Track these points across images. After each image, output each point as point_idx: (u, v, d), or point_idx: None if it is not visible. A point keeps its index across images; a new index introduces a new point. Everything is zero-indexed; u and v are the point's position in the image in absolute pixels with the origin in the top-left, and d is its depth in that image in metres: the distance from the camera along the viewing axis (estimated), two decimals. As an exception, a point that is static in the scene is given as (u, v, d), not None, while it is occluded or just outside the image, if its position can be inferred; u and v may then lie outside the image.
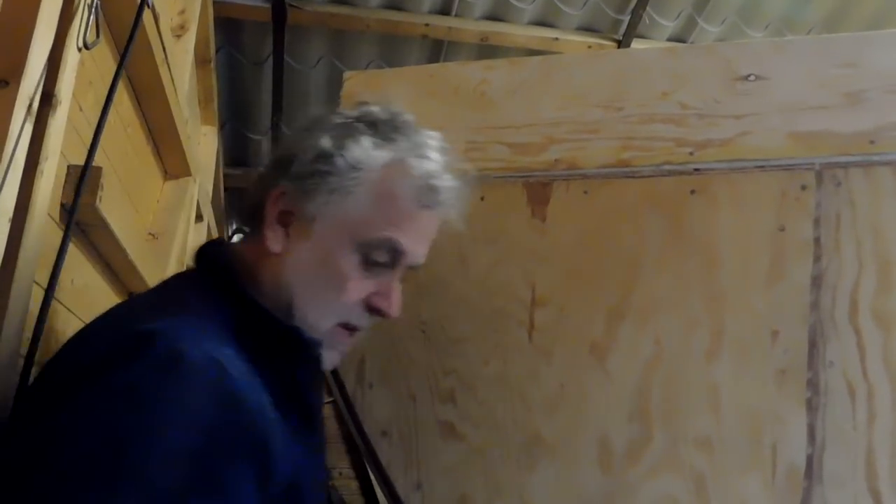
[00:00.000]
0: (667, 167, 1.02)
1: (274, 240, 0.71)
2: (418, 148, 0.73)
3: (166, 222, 1.64)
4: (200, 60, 2.21)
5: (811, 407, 0.95)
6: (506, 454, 1.05)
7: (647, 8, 2.92)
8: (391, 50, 3.24)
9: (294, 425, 0.66)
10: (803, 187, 0.97)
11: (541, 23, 3.12)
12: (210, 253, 0.75)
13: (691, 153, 1.01)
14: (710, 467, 0.97)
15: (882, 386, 0.93)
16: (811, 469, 0.94)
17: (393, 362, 1.11)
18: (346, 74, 1.14)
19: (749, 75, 1.03)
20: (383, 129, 0.73)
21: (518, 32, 3.09)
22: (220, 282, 0.71)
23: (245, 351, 0.63)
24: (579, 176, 1.03)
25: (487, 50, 3.16)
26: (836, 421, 0.94)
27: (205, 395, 0.56)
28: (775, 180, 0.99)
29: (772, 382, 0.98)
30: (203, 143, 2.52)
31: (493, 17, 3.09)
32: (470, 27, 3.06)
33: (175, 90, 1.48)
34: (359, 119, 0.74)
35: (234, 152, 3.88)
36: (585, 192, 1.04)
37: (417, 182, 0.72)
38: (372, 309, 0.73)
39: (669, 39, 3.07)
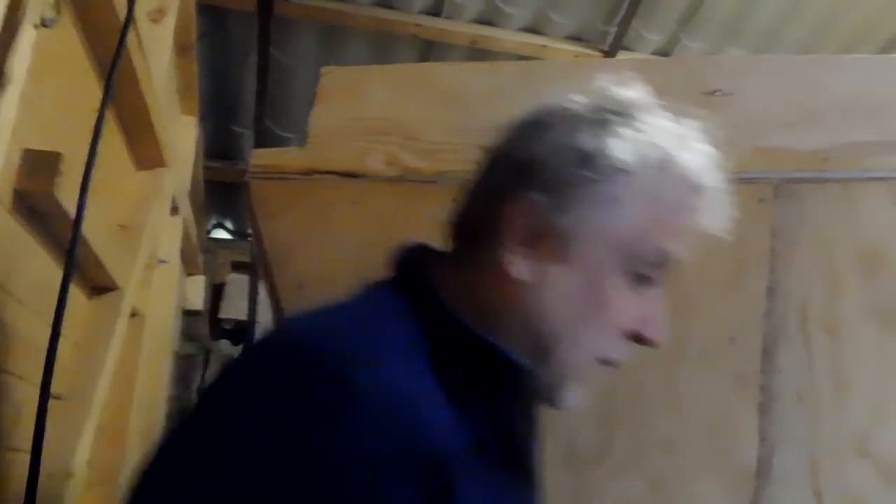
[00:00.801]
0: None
1: (520, 265, 0.60)
2: (682, 140, 0.65)
3: (137, 214, 1.65)
4: (181, 47, 2.23)
5: (763, 411, 1.00)
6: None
7: (634, 21, 3.00)
8: (381, 49, 3.29)
9: (501, 474, 0.59)
10: (761, 200, 1.03)
11: (530, 30, 3.19)
12: (413, 263, 0.65)
13: (658, 163, 1.07)
14: (671, 470, 1.02)
15: (827, 392, 0.99)
16: (761, 470, 1.00)
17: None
18: (324, 69, 1.18)
19: (717, 90, 1.09)
20: (636, 117, 0.63)
21: (507, 38, 3.16)
22: (421, 297, 0.60)
23: (441, 378, 0.55)
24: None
25: (477, 53, 3.22)
26: (785, 424, 1.00)
27: (376, 429, 0.47)
28: (737, 193, 1.05)
29: (729, 387, 1.03)
30: (181, 134, 2.54)
31: (483, 20, 3.15)
32: (460, 29, 3.12)
33: (150, 76, 1.49)
34: (604, 108, 0.63)
35: (217, 145, 3.90)
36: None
37: (685, 182, 0.63)
38: (637, 338, 0.64)
39: (654, 53, 3.16)
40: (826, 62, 1.13)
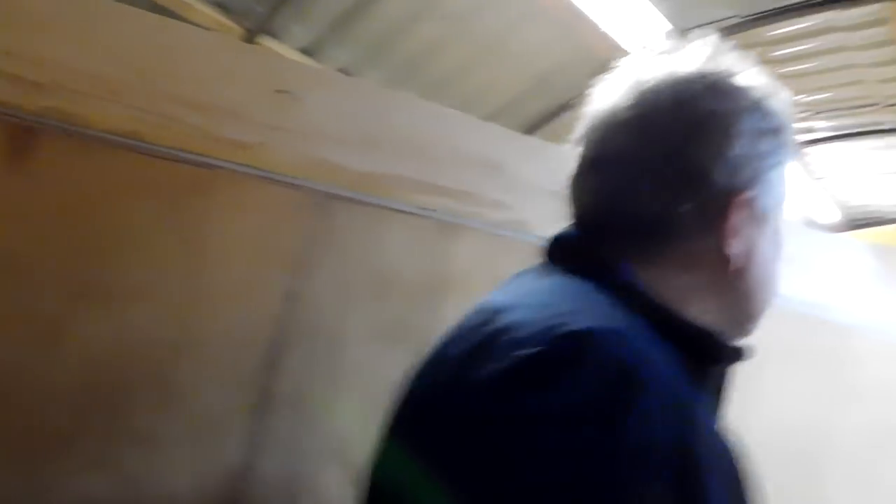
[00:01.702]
0: (182, 154, 1.04)
1: (739, 254, 0.64)
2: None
3: None
4: None
5: (258, 414, 1.05)
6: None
7: (285, 10, 3.04)
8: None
9: None
10: (300, 207, 1.10)
11: (174, -21, 2.98)
12: (595, 255, 0.65)
13: (211, 147, 1.06)
14: (145, 467, 1.00)
15: (324, 401, 1.08)
16: (244, 472, 1.04)
17: None
18: None
19: (288, 91, 1.13)
20: (745, 76, 0.67)
21: (143, -23, 2.89)
22: (626, 292, 0.61)
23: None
24: (79, 134, 0.98)
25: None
26: (278, 429, 1.06)
27: (672, 426, 0.48)
28: (283, 195, 1.10)
29: (229, 388, 1.05)
30: None
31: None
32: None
33: None
34: (723, 77, 0.66)
35: None
36: (81, 153, 0.99)
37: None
38: None
39: (298, 50, 3.24)
40: (393, 98, 1.27)
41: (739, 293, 0.67)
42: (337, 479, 1.10)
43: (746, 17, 3.87)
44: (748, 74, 0.69)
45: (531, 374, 0.49)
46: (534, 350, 0.50)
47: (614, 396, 0.47)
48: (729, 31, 3.94)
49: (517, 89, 3.73)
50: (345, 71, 3.37)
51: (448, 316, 1.21)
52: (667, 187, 0.64)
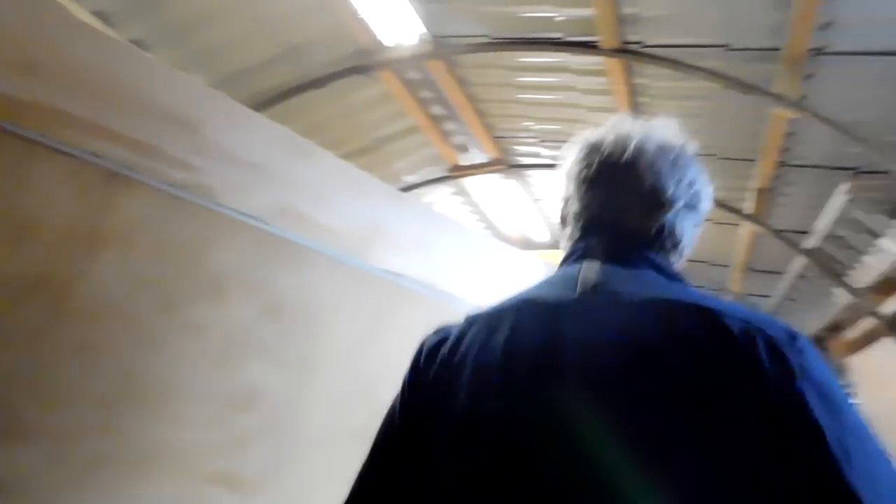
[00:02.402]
0: None
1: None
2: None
3: None
4: None
5: None
6: None
7: None
8: None
9: None
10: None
11: None
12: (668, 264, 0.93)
13: None
14: None
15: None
16: None
17: None
18: None
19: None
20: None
21: None
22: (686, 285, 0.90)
23: None
24: None
25: None
26: None
27: None
28: None
29: None
30: None
31: None
32: None
33: None
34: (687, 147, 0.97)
35: None
36: None
37: None
38: None
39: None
40: (70, 21, 1.14)
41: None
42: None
43: (496, 39, 4.18)
44: None
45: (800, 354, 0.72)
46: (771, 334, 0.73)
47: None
48: (480, 48, 4.24)
49: (261, 55, 3.62)
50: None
51: (100, 272, 1.13)
52: (695, 222, 0.98)
